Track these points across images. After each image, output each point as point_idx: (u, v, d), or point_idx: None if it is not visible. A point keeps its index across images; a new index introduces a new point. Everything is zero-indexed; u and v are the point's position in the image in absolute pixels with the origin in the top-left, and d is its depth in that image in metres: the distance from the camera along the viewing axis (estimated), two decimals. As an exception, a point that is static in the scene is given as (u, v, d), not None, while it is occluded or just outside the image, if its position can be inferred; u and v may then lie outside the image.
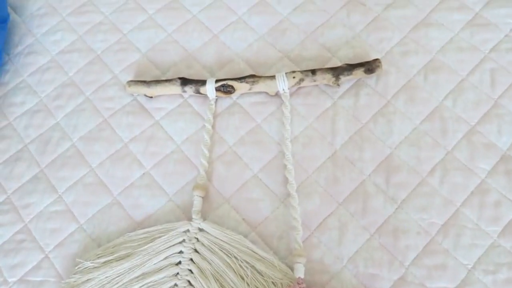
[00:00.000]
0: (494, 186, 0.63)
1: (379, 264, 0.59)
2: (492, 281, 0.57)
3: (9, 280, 0.63)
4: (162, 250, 0.60)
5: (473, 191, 0.63)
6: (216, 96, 0.73)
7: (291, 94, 0.72)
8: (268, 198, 0.65)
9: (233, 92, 0.72)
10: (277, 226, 0.63)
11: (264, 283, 0.57)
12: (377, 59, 0.71)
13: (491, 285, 0.57)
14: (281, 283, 0.57)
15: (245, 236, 0.62)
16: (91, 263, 0.59)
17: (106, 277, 0.59)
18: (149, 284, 0.58)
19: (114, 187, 0.68)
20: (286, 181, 0.65)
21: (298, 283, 0.56)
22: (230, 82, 0.72)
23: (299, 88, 0.73)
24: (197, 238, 0.61)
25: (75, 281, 0.59)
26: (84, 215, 0.66)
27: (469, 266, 0.58)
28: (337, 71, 0.71)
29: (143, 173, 0.69)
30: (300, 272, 0.57)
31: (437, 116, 0.69)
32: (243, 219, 0.64)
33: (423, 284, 0.58)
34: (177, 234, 0.61)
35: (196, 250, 0.60)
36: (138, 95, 0.75)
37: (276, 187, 0.66)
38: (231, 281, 0.58)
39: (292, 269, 0.59)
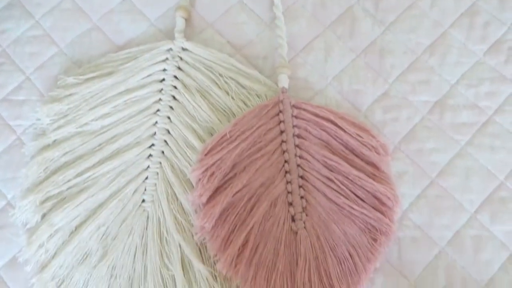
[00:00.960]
0: (485, 8, 0.61)
1: (364, 81, 0.59)
2: (474, 94, 0.58)
3: (-9, 101, 0.62)
4: (145, 68, 0.59)
5: (463, 13, 0.62)
6: None
7: None
8: (253, 22, 0.63)
9: None
10: (262, 47, 0.62)
11: (249, 96, 0.57)
12: None
13: (472, 98, 0.58)
14: (266, 95, 0.57)
15: (230, 57, 0.61)
16: (74, 78, 0.58)
17: (89, 92, 0.58)
18: (134, 99, 0.58)
19: (93, 13, 0.65)
20: (272, 5, 0.63)
21: (283, 92, 0.56)
22: None
23: None
24: (181, 57, 0.60)
25: (57, 95, 0.58)
26: (63, 40, 0.64)
27: (453, 82, 0.59)
28: None
29: None
30: (284, 82, 0.57)
31: None
32: (228, 41, 0.62)
33: (406, 98, 0.58)
34: (159, 53, 0.60)
35: (179, 68, 0.60)
36: None
37: (262, 12, 0.63)
38: (216, 95, 0.58)
39: (276, 83, 0.58)
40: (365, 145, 0.54)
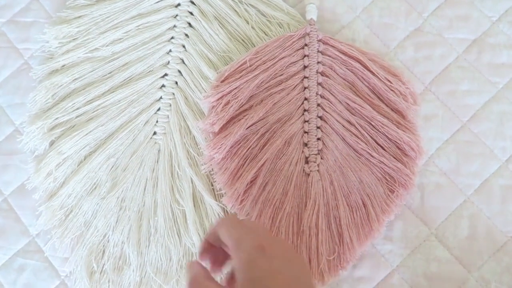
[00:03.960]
0: None
1: (396, 14, 0.55)
2: (517, 32, 0.53)
3: (-3, 23, 0.59)
4: (159, -9, 0.55)
5: None
6: None
7: None
8: None
9: None
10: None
11: (270, 26, 0.53)
12: None
13: (515, 37, 0.53)
14: (288, 24, 0.53)
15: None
16: (83, -1, 0.55)
17: (100, 15, 0.54)
18: (147, 25, 0.55)
19: None
20: None
21: (310, 24, 0.52)
22: None
23: None
24: (197, -19, 0.56)
25: (67, 16, 0.55)
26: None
27: (494, 18, 0.54)
28: None
29: None
30: (312, 13, 0.52)
31: None
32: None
33: (441, 34, 0.54)
34: (175, -25, 0.55)
35: (196, -7, 0.56)
36: None
37: None
38: (235, 23, 0.54)
39: (301, 15, 0.54)
40: (393, 91, 0.50)
